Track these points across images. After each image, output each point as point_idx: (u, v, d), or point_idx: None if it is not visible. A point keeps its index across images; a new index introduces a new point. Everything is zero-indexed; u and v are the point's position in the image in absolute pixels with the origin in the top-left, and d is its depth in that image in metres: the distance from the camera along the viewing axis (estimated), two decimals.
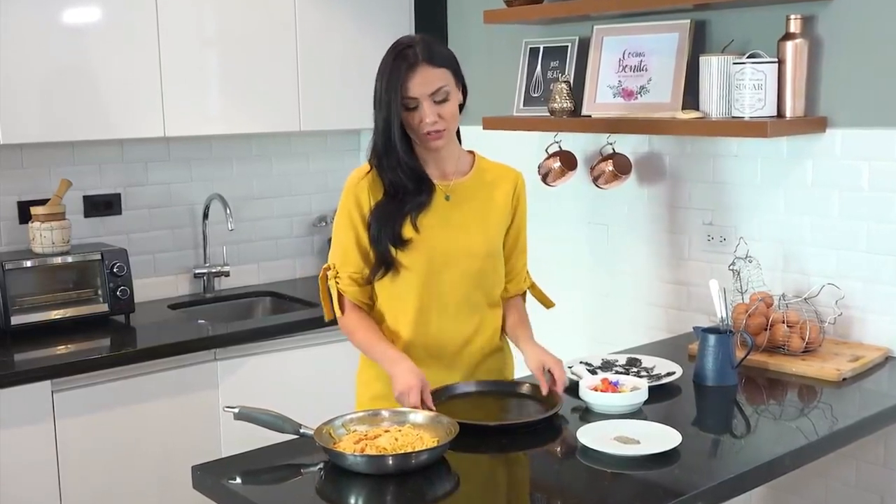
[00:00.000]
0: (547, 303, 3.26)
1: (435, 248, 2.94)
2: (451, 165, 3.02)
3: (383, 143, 2.89)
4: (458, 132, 3.06)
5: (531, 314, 3.20)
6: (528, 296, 3.25)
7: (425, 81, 2.82)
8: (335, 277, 2.99)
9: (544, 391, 2.88)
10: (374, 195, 2.94)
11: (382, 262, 2.94)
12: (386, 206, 2.92)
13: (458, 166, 3.03)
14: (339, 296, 2.99)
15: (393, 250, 2.92)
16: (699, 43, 3.64)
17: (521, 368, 3.21)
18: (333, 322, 3.05)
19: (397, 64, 2.84)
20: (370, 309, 3.05)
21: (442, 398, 2.83)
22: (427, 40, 2.90)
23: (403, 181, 2.90)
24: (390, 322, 3.03)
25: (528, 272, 3.22)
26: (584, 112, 3.88)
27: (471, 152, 3.11)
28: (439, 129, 2.86)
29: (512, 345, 3.18)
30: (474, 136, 3.12)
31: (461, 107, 2.98)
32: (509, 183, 3.08)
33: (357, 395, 3.14)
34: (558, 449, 2.68)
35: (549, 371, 2.92)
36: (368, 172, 2.97)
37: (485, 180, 3.05)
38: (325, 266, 3.04)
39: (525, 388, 2.96)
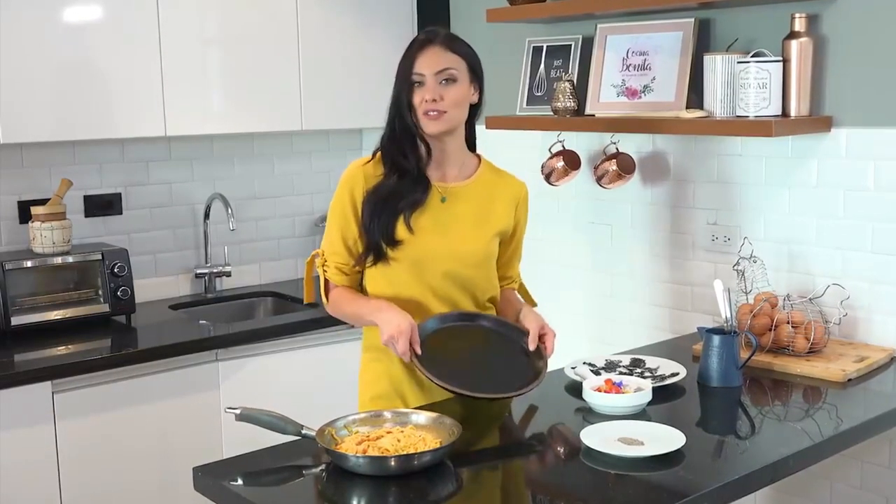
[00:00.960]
0: (531, 302, 3.26)
1: (425, 250, 2.94)
2: (453, 168, 3.01)
3: (393, 117, 2.95)
4: (473, 137, 3.08)
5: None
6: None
7: (434, 60, 2.88)
8: (323, 265, 3.02)
9: (532, 347, 2.92)
10: (371, 183, 2.96)
11: (372, 250, 2.95)
12: (380, 195, 2.92)
13: (461, 170, 3.03)
14: (326, 282, 3.03)
15: (384, 246, 2.92)
16: (703, 42, 3.63)
17: None
18: (313, 306, 3.07)
19: (412, 42, 2.94)
20: None
21: (422, 339, 2.84)
22: (451, 33, 2.97)
23: (404, 162, 2.93)
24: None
25: (518, 276, 3.24)
26: (588, 111, 3.87)
27: (478, 156, 3.10)
28: (438, 109, 2.88)
29: None
30: (477, 136, 3.11)
31: (476, 108, 3.01)
32: (512, 195, 3.08)
33: (359, 395, 3.14)
34: (562, 450, 2.68)
35: (541, 337, 2.95)
36: (367, 163, 2.98)
37: (487, 188, 3.04)
38: (315, 252, 3.07)
39: (490, 323, 2.99)
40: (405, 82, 2.90)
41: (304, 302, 3.15)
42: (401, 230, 2.92)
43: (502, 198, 3.06)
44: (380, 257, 2.95)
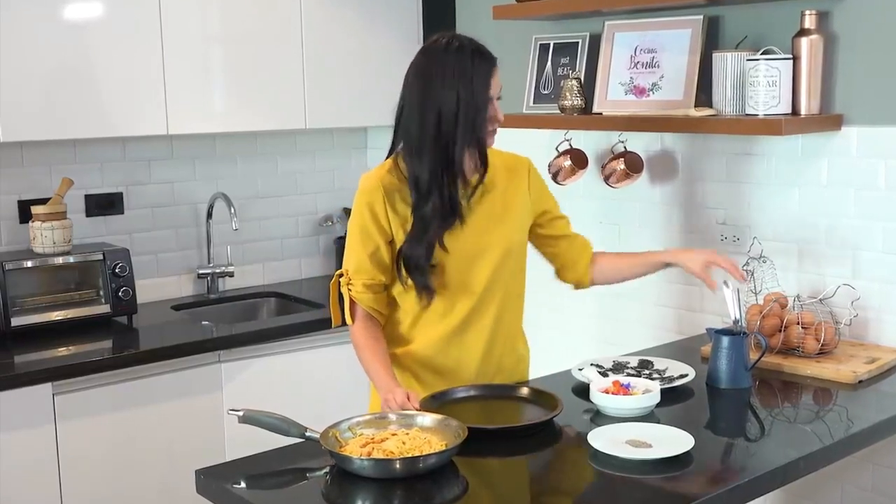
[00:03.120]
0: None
1: (458, 253, 2.90)
2: (468, 163, 2.96)
3: (457, 153, 2.82)
4: None
5: (541, 308, 3.15)
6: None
7: (498, 80, 2.87)
8: (348, 284, 2.94)
9: (713, 288, 2.99)
10: (390, 202, 2.89)
11: (423, 289, 2.90)
12: (415, 231, 2.86)
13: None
14: (352, 303, 2.95)
15: (428, 278, 2.88)
16: (712, 39, 3.61)
17: (535, 369, 3.21)
18: (341, 325, 3.03)
19: (484, 66, 2.83)
20: (382, 318, 3.01)
21: (439, 403, 2.80)
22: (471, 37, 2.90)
23: (448, 189, 2.85)
24: (405, 331, 3.02)
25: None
26: (596, 109, 3.85)
27: None
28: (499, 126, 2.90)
29: (528, 344, 3.19)
30: None
31: None
32: (521, 173, 3.06)
33: (370, 395, 3.12)
34: (569, 453, 2.65)
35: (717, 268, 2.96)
36: (383, 175, 2.92)
37: (498, 173, 3.01)
38: (339, 272, 2.99)
39: (524, 392, 2.92)
40: (483, 104, 2.81)
41: (333, 325, 3.08)
42: (438, 255, 2.88)
43: (515, 180, 3.04)
44: (433, 293, 2.91)
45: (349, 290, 2.94)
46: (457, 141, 2.80)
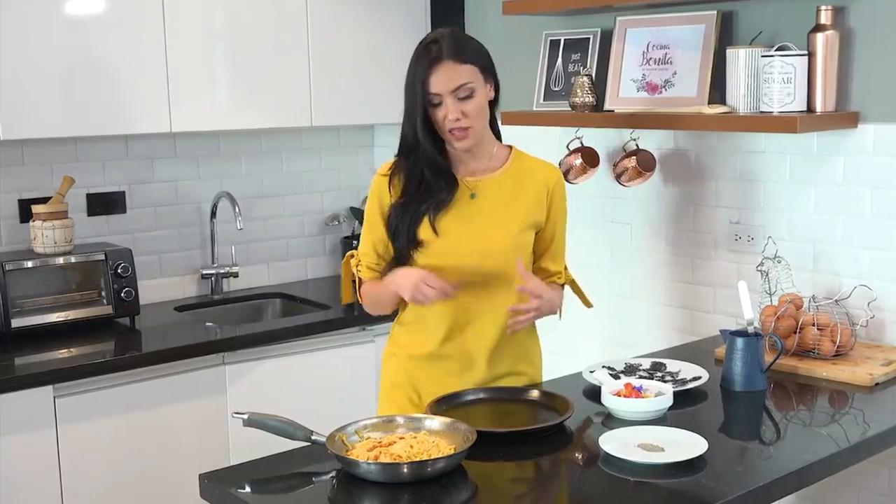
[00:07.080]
0: (586, 302, 3.24)
1: (455, 249, 2.94)
2: (482, 161, 3.02)
3: (408, 137, 2.93)
4: (497, 128, 3.08)
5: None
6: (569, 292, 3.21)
7: (448, 78, 2.84)
8: (356, 266, 3.10)
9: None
10: (395, 191, 2.98)
11: (398, 257, 2.97)
12: (405, 202, 2.95)
13: (490, 162, 3.03)
14: (359, 280, 3.10)
15: (409, 250, 2.94)
16: (726, 35, 3.59)
17: (548, 370, 3.20)
18: (350, 308, 3.06)
19: (421, 59, 2.87)
20: None
21: (448, 406, 2.81)
22: (456, 35, 2.93)
23: (426, 175, 2.93)
24: (414, 319, 3.06)
25: (566, 270, 3.18)
26: (607, 106, 3.83)
27: (509, 147, 3.09)
28: (463, 126, 2.88)
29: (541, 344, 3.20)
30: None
31: (495, 102, 3.00)
32: (542, 180, 3.04)
33: (381, 383, 3.19)
34: (580, 457, 2.63)
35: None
36: (390, 168, 3.01)
37: (517, 177, 3.02)
38: (351, 252, 3.13)
39: (534, 395, 2.91)
40: (420, 102, 2.87)
41: (343, 302, 3.21)
42: (424, 231, 2.93)
43: (533, 186, 3.02)
44: (406, 261, 2.96)
45: (357, 270, 3.10)
46: (418, 146, 2.92)
